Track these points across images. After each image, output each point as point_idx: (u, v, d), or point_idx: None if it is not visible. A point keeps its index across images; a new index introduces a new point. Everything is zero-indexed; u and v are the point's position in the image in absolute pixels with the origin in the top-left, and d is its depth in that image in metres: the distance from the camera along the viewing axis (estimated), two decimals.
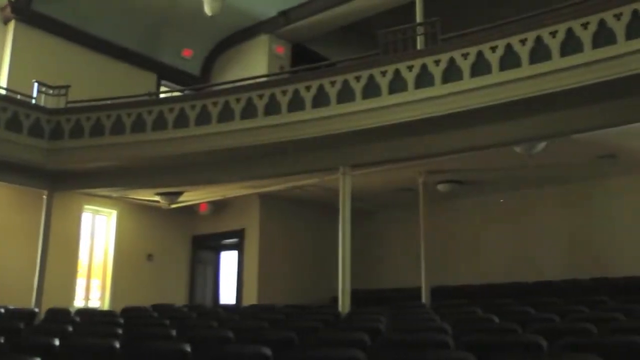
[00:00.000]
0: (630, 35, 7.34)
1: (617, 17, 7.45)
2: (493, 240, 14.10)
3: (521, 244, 13.65)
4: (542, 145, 9.73)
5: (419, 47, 9.68)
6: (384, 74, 9.15)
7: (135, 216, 14.21)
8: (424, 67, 8.84)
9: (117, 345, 5.02)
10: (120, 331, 6.41)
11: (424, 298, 11.36)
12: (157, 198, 13.11)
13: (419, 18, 10.81)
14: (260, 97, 10.02)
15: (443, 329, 5.76)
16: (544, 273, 12.80)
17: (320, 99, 9.59)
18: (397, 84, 9.02)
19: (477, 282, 13.56)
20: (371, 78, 9.24)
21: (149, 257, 14.22)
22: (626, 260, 12.09)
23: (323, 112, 9.50)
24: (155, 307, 10.18)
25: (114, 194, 13.26)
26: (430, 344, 4.67)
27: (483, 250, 14.14)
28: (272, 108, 9.90)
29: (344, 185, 9.89)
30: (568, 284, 12.12)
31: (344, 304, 9.47)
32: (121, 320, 7.80)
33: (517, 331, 5.37)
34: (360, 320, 7.36)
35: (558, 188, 13.39)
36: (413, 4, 11.19)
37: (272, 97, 9.94)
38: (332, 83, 9.53)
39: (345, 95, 9.40)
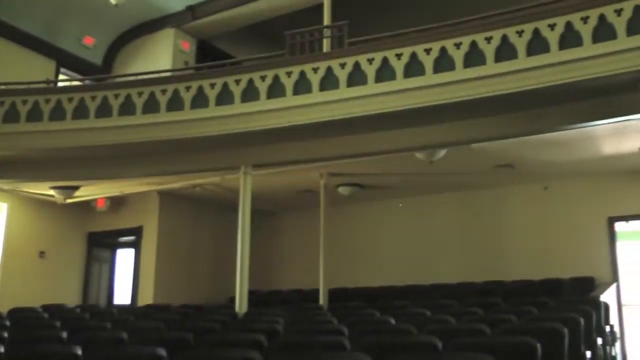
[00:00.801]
0: (530, 51, 7.63)
1: (519, 33, 7.72)
2: (391, 244, 14.34)
3: (419, 248, 13.94)
4: (442, 152, 9.96)
5: (325, 49, 9.73)
6: (289, 74, 9.14)
7: (28, 210, 13.59)
8: (329, 69, 8.88)
9: (2, 349, 4.79)
10: (6, 334, 6.12)
11: (322, 300, 11.43)
12: (51, 192, 12.62)
13: (326, 21, 10.87)
14: (163, 92, 9.81)
15: (340, 331, 5.80)
16: (441, 276, 13.12)
17: (224, 97, 9.47)
18: (302, 86, 9.02)
19: (376, 284, 13.78)
20: (276, 78, 9.21)
21: (41, 254, 13.64)
22: (518, 264, 12.58)
23: (226, 110, 9.39)
24: (46, 307, 9.87)
25: (5, 186, 12.66)
26: (327, 345, 4.69)
27: (381, 253, 14.36)
28: (175, 104, 9.71)
29: (245, 185, 9.84)
30: (463, 286, 12.50)
31: (241, 305, 9.40)
32: (8, 323, 7.48)
33: (412, 332, 5.46)
34: (257, 321, 7.33)
35: (456, 195, 13.77)
36: (321, 6, 11.24)
37: (176, 92, 9.75)
38: (237, 81, 9.45)
39: (250, 94, 9.33)
